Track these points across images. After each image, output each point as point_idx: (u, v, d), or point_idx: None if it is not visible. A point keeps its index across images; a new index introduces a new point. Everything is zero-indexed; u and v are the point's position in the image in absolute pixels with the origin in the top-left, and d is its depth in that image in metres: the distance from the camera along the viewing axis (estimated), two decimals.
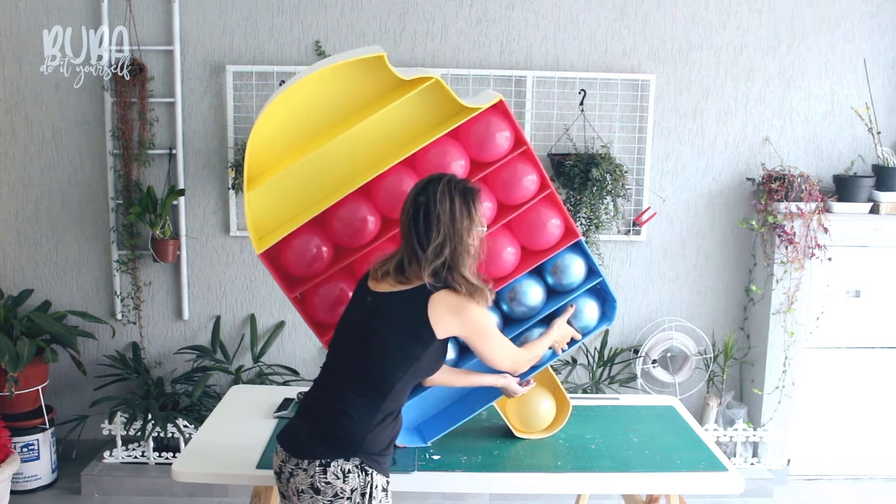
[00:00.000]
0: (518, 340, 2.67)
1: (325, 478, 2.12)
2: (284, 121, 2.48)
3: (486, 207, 2.52)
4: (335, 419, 2.16)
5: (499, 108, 2.58)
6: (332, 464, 2.13)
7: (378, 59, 2.44)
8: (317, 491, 2.12)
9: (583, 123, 4.11)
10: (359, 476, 2.14)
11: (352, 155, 2.52)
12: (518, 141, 2.60)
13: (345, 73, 2.49)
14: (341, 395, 2.18)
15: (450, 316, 2.19)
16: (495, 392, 2.76)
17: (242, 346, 4.27)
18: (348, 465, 2.13)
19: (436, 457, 2.64)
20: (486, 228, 2.32)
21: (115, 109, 4.03)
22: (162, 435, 3.89)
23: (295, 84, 2.42)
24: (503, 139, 2.57)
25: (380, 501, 2.17)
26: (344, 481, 2.12)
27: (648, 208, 4.17)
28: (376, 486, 2.16)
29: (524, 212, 2.63)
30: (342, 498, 2.12)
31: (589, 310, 2.75)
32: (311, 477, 2.12)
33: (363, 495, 2.14)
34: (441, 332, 2.19)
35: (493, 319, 2.34)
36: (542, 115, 4.12)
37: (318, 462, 2.13)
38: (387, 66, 2.45)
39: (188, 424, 3.91)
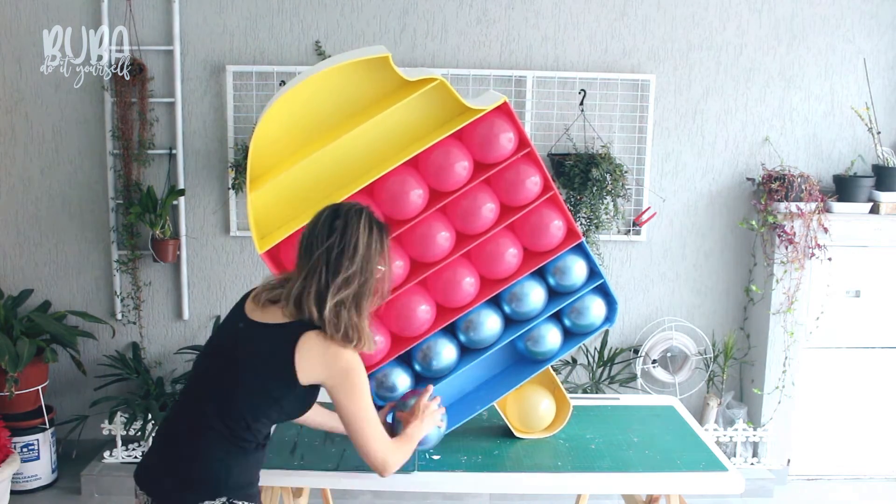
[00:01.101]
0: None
1: None
2: (287, 120, 2.49)
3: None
4: (195, 459, 2.01)
5: (503, 110, 2.57)
6: None
7: (383, 59, 2.44)
8: None
9: (583, 123, 4.11)
10: None
11: (355, 155, 2.52)
12: (522, 142, 2.60)
13: (349, 73, 2.49)
14: (200, 432, 2.02)
15: (318, 359, 2.01)
16: (495, 392, 2.76)
17: None
18: None
19: (436, 457, 2.64)
20: (386, 269, 2.14)
21: (115, 109, 4.03)
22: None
23: (298, 84, 2.42)
24: (507, 141, 2.56)
25: None
26: None
27: (648, 208, 4.17)
28: None
29: (527, 213, 2.63)
30: None
31: (595, 307, 2.75)
32: None
33: None
34: (303, 376, 2.01)
35: (366, 383, 2.08)
36: (542, 115, 4.12)
37: None
38: (391, 67, 2.45)
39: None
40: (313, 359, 2.01)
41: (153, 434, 2.18)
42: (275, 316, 2.06)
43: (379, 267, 2.09)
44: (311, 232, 2.07)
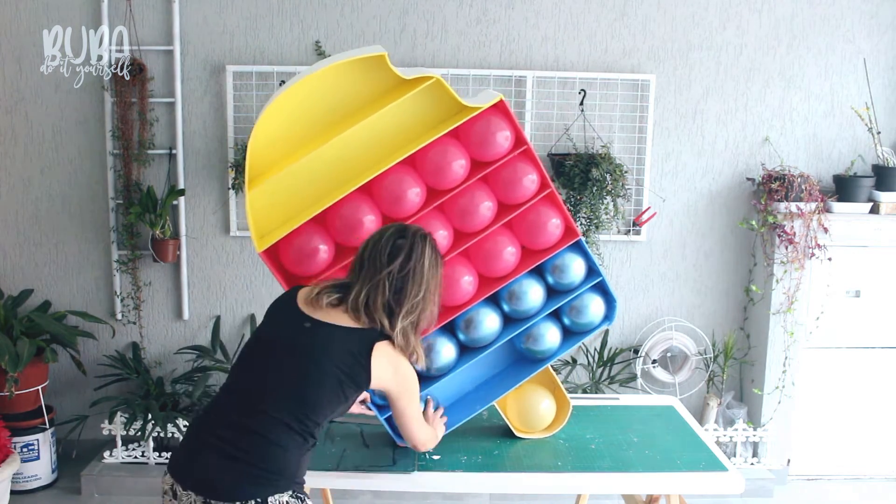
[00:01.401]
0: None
1: None
2: (286, 120, 2.49)
3: None
4: (266, 453, 2.01)
5: (499, 108, 2.58)
6: (269, 500, 1.98)
7: (379, 58, 2.44)
8: None
9: (583, 123, 4.11)
10: None
11: (352, 154, 2.52)
12: (518, 140, 2.60)
13: (346, 73, 2.49)
14: (269, 425, 2.03)
15: (389, 368, 2.16)
16: (495, 392, 2.76)
17: (242, 346, 4.27)
18: (284, 498, 2.01)
19: (436, 457, 2.64)
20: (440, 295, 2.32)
21: (115, 109, 4.03)
22: (162, 435, 3.89)
23: (296, 83, 2.42)
24: (503, 139, 2.56)
25: None
26: None
27: (648, 208, 4.17)
28: None
29: (524, 211, 2.63)
30: None
31: (594, 305, 2.75)
32: None
33: None
34: (375, 382, 2.15)
35: (418, 389, 2.29)
36: (542, 115, 4.12)
37: (254, 501, 1.97)
38: (388, 66, 2.45)
39: (188, 424, 3.90)
40: (386, 367, 2.15)
41: (190, 431, 2.13)
42: (343, 319, 2.15)
43: (438, 291, 2.25)
44: (374, 246, 2.18)
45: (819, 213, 3.94)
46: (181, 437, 3.86)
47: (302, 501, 2.05)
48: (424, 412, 2.53)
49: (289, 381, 2.07)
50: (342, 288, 2.19)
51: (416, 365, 2.26)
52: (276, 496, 1.99)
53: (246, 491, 1.97)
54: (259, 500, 1.97)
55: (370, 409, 2.60)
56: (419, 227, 2.25)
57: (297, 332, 2.13)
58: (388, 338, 2.16)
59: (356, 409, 2.57)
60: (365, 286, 2.15)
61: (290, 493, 2.03)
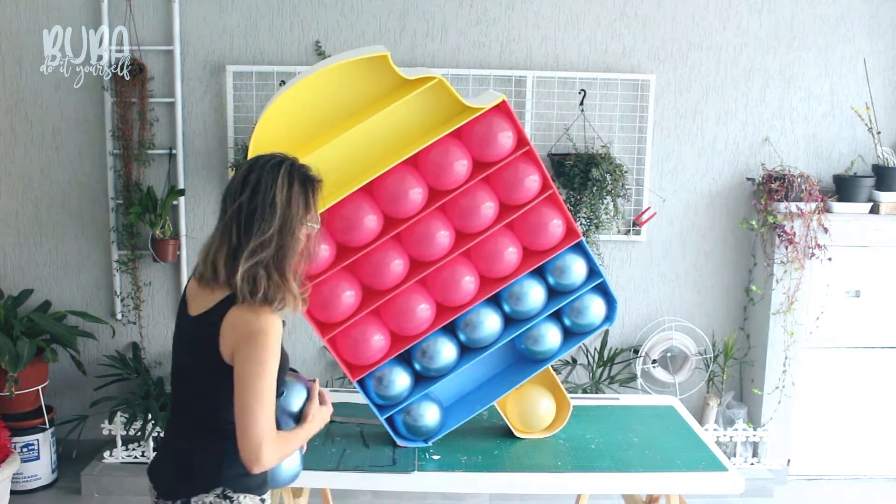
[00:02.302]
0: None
1: None
2: (287, 120, 2.49)
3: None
4: (187, 454, 2.00)
5: (501, 109, 2.58)
6: (192, 500, 1.95)
7: (381, 58, 2.44)
8: None
9: (583, 123, 4.11)
10: None
11: (354, 154, 2.52)
12: (520, 141, 2.61)
13: (348, 73, 2.49)
14: (184, 430, 2.03)
15: (229, 331, 1.87)
16: (496, 392, 2.76)
17: None
18: (209, 498, 1.95)
19: (436, 457, 2.64)
20: (318, 227, 2.00)
21: (115, 109, 4.03)
22: (162, 435, 3.89)
23: (298, 83, 2.42)
24: (506, 139, 2.57)
25: None
26: None
27: (648, 208, 4.17)
28: None
29: (526, 212, 2.63)
30: None
31: (595, 306, 2.75)
32: None
33: None
34: (225, 352, 1.89)
35: (276, 353, 1.87)
36: (542, 115, 4.12)
37: (180, 501, 1.96)
38: (390, 66, 2.45)
39: None
40: (227, 331, 1.87)
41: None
42: (206, 301, 1.93)
43: (308, 224, 1.94)
44: (227, 188, 1.93)
45: (819, 213, 3.94)
46: None
47: (230, 501, 1.96)
48: (306, 409, 2.07)
49: (178, 389, 2.04)
50: (207, 249, 1.95)
51: (291, 309, 1.92)
52: (199, 496, 1.95)
53: (173, 489, 1.99)
54: (183, 500, 1.97)
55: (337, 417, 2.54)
56: (275, 154, 1.96)
57: (178, 332, 2.05)
58: (242, 301, 1.87)
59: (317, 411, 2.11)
60: (219, 238, 1.90)
61: (217, 493, 1.95)
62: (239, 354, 1.85)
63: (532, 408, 2.79)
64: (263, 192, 1.87)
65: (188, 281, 2.07)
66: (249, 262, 1.85)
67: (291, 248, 1.91)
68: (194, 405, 2.00)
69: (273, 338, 1.86)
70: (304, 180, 1.95)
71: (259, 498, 2.01)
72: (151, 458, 2.16)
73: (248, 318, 1.86)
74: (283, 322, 4.23)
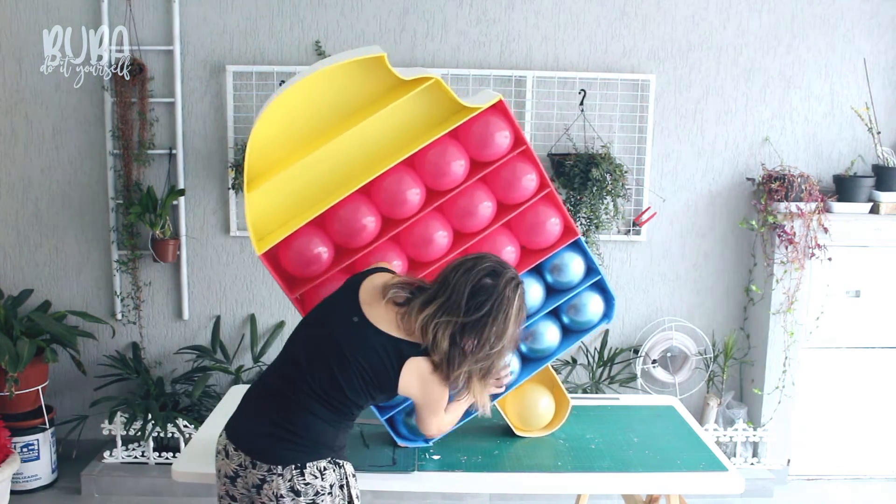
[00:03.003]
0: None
1: (304, 479, 2.13)
2: (284, 121, 2.48)
3: None
4: (305, 424, 2.16)
5: (498, 108, 2.58)
6: (308, 465, 2.14)
7: (378, 59, 2.44)
8: (297, 493, 2.13)
9: (583, 123, 4.11)
10: (334, 471, 2.17)
11: (352, 155, 2.52)
12: (518, 140, 2.61)
13: (345, 74, 2.49)
14: (308, 400, 2.17)
15: (417, 384, 2.18)
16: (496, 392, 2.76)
17: (242, 346, 4.27)
18: (323, 463, 2.16)
19: (436, 457, 2.64)
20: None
21: (115, 109, 4.03)
22: (162, 435, 3.89)
23: (295, 84, 2.42)
24: (503, 139, 2.57)
25: (355, 487, 2.22)
26: (322, 479, 2.15)
27: (648, 208, 4.17)
28: (350, 475, 2.22)
29: (524, 211, 2.64)
30: (323, 494, 2.15)
31: (593, 304, 2.75)
32: (290, 481, 2.13)
33: (342, 487, 2.18)
34: (402, 391, 2.21)
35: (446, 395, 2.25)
36: (542, 115, 4.12)
37: (293, 466, 2.14)
38: (387, 66, 2.45)
39: (188, 424, 3.91)
40: (414, 383, 2.17)
41: (246, 396, 2.32)
42: (389, 322, 2.16)
43: (511, 348, 2.23)
44: (464, 271, 2.14)
45: (819, 213, 3.94)
46: (182, 438, 3.87)
47: (340, 467, 2.18)
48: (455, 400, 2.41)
49: (323, 366, 2.17)
50: (416, 291, 2.19)
51: (476, 412, 2.30)
52: (315, 462, 2.15)
53: (286, 456, 2.14)
54: (299, 464, 2.13)
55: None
56: (514, 273, 2.20)
57: (342, 324, 2.19)
58: (426, 353, 2.16)
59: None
60: (436, 305, 2.13)
61: (328, 459, 2.17)
62: (419, 401, 2.23)
63: (531, 406, 2.79)
64: (502, 310, 2.13)
65: (360, 278, 2.26)
66: (473, 367, 2.16)
67: (500, 365, 2.23)
68: (332, 390, 2.16)
69: (443, 388, 2.21)
70: (522, 295, 2.21)
71: (352, 465, 2.26)
72: (235, 426, 2.25)
73: (432, 378, 2.17)
74: (283, 322, 4.22)
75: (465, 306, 2.12)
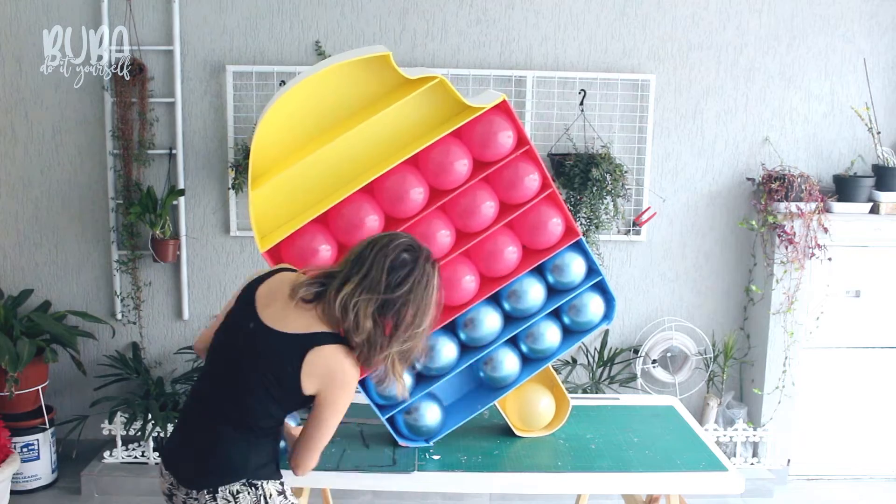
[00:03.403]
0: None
1: None
2: (288, 119, 2.49)
3: None
4: (213, 450, 2.08)
5: (502, 108, 2.58)
6: (220, 489, 2.07)
7: (383, 58, 2.45)
8: None
9: (583, 123, 4.11)
10: (249, 493, 2.08)
11: (355, 154, 2.52)
12: (521, 140, 2.61)
13: (349, 72, 2.49)
14: (215, 426, 2.09)
15: (324, 372, 2.03)
16: (496, 391, 2.76)
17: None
18: (235, 486, 2.07)
19: (436, 457, 2.64)
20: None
21: (115, 109, 4.03)
22: (162, 435, 3.89)
23: (299, 83, 2.42)
24: (506, 138, 2.57)
25: (278, 501, 2.12)
26: (236, 502, 2.07)
27: (648, 208, 4.17)
28: (270, 495, 2.11)
29: (525, 211, 2.64)
30: None
31: (594, 305, 2.75)
32: None
33: None
34: (306, 388, 2.05)
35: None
36: (542, 115, 4.12)
37: (206, 491, 2.07)
38: (391, 66, 2.45)
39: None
40: (318, 373, 2.03)
41: (179, 416, 2.26)
42: (296, 323, 2.05)
43: (430, 328, 2.14)
44: (378, 249, 2.04)
45: (819, 213, 3.94)
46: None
47: (255, 488, 2.08)
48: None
49: (224, 381, 2.10)
50: (327, 278, 2.07)
51: (394, 391, 2.24)
52: (226, 486, 2.07)
53: (199, 481, 2.09)
54: (211, 489, 2.07)
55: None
56: (429, 250, 2.13)
57: (238, 332, 2.10)
58: (338, 340, 2.04)
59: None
60: (354, 286, 2.02)
61: (242, 482, 2.08)
62: (326, 395, 2.05)
63: (531, 406, 2.79)
64: (423, 285, 2.05)
65: (257, 282, 2.14)
66: (398, 348, 2.06)
67: (422, 346, 2.13)
68: (236, 406, 2.08)
69: (354, 390, 2.09)
70: (438, 275, 2.13)
71: (279, 482, 2.15)
72: (165, 445, 2.22)
73: (345, 364, 2.04)
74: None
75: (385, 282, 2.01)
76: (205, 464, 2.08)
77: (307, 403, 2.12)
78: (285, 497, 2.14)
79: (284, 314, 2.06)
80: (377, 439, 2.73)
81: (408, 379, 2.36)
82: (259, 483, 2.09)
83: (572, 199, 3.97)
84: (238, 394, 2.07)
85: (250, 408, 2.07)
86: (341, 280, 2.04)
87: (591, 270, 2.76)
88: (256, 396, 2.06)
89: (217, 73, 4.07)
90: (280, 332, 2.05)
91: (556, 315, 2.79)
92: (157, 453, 2.23)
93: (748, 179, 4.22)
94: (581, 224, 3.97)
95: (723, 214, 4.26)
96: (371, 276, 2.02)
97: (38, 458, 3.93)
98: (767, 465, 4.13)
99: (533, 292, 2.67)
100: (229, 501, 2.06)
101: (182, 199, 4.13)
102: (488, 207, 2.59)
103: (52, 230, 4.17)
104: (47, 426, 3.95)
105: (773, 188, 3.98)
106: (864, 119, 4.09)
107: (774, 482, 4.07)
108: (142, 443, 3.96)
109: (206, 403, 2.13)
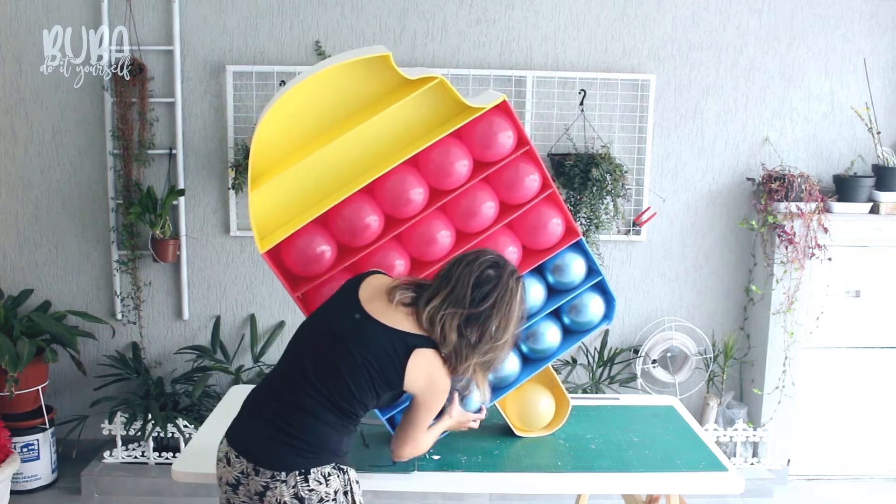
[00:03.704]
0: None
1: (308, 485, 2.12)
2: (288, 120, 2.48)
3: None
4: (309, 429, 2.15)
5: (502, 108, 2.58)
6: (312, 471, 2.13)
7: (383, 58, 2.44)
8: (301, 500, 2.12)
9: (583, 123, 4.11)
10: (339, 477, 2.16)
11: (355, 154, 2.52)
12: (521, 141, 2.61)
13: (349, 73, 2.49)
14: (312, 403, 2.16)
15: (424, 376, 2.18)
16: (497, 392, 2.76)
17: (242, 346, 4.27)
18: (327, 469, 2.15)
19: (436, 457, 2.64)
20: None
21: (115, 109, 4.03)
22: (162, 435, 3.89)
23: (299, 83, 2.42)
24: (506, 139, 2.57)
25: (358, 493, 2.22)
26: (327, 485, 2.14)
27: (648, 208, 4.17)
28: (354, 481, 2.21)
29: (526, 211, 2.64)
30: (327, 500, 2.14)
31: (594, 305, 2.76)
32: (294, 487, 2.11)
33: (346, 493, 2.18)
34: (408, 386, 2.19)
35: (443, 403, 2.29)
36: (542, 115, 4.12)
37: (297, 472, 2.12)
38: (391, 66, 2.45)
39: (188, 424, 3.91)
40: (421, 374, 2.17)
41: (247, 402, 2.28)
42: (399, 320, 2.17)
43: (514, 339, 2.28)
44: (466, 264, 2.18)
45: (819, 213, 3.94)
46: (182, 438, 3.87)
47: (344, 473, 2.18)
48: (451, 408, 2.45)
49: (328, 367, 2.17)
50: (419, 289, 2.22)
51: (477, 400, 2.40)
52: (319, 468, 2.14)
53: (290, 462, 2.13)
54: (303, 470, 2.12)
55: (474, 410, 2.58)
56: (514, 266, 2.25)
57: (344, 322, 2.20)
58: (435, 346, 2.17)
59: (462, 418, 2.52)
60: (441, 299, 2.16)
61: (333, 465, 2.16)
62: (424, 399, 2.22)
63: (531, 406, 2.79)
64: (506, 301, 2.18)
65: (358, 281, 2.27)
66: (481, 359, 2.19)
67: (504, 356, 2.26)
68: (338, 390, 2.15)
69: (447, 384, 2.23)
70: (524, 290, 2.28)
71: (355, 471, 2.25)
72: (235, 433, 2.23)
73: (442, 371, 2.19)
74: (283, 322, 4.22)
75: (469, 297, 2.15)
76: (300, 445, 2.13)
77: (397, 399, 2.28)
78: (359, 486, 2.23)
79: (388, 311, 2.19)
80: (377, 439, 2.73)
81: (489, 389, 2.47)
82: (346, 468, 2.19)
83: (572, 200, 3.97)
84: (342, 380, 2.15)
85: (350, 393, 2.15)
86: (430, 294, 2.19)
87: (591, 270, 2.76)
88: (357, 383, 2.15)
89: (217, 73, 4.07)
90: (386, 326, 2.17)
91: (556, 315, 2.79)
92: (226, 440, 2.22)
93: (748, 179, 4.22)
94: (581, 224, 3.97)
95: (723, 214, 4.26)
96: (457, 292, 2.16)
97: (38, 458, 3.93)
98: (767, 465, 4.13)
99: (533, 293, 2.68)
100: (320, 483, 2.13)
101: (182, 199, 4.13)
102: (488, 208, 2.59)
103: (52, 230, 4.17)
104: (47, 426, 3.95)
105: (773, 188, 3.98)
106: (864, 119, 4.09)
107: (774, 482, 4.07)
108: (142, 443, 3.96)
109: (300, 389, 2.17)
